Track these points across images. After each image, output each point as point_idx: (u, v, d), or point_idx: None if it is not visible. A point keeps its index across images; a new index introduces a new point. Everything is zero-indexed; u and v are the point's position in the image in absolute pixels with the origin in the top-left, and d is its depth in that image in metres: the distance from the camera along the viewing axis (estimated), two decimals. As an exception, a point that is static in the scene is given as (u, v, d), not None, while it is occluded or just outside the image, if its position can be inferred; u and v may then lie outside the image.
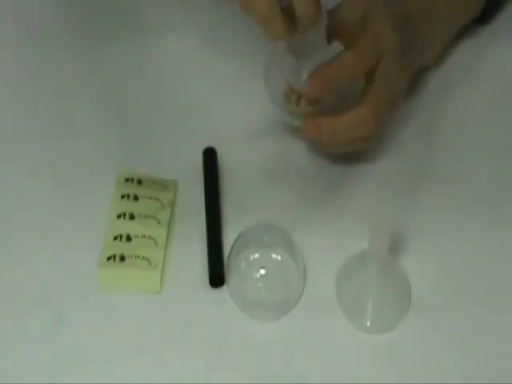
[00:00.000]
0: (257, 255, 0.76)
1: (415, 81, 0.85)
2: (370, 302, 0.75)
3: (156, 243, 0.77)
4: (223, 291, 0.76)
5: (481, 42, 0.90)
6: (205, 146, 0.83)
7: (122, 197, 0.80)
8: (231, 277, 0.75)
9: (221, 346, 0.73)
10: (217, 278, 0.76)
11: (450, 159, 0.83)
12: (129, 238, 0.77)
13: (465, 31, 0.90)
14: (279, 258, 0.77)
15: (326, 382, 0.71)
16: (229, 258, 0.76)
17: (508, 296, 0.76)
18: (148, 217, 0.78)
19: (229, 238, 0.78)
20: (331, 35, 0.76)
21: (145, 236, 0.77)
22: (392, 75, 0.77)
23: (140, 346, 0.73)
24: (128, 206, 0.79)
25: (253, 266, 0.76)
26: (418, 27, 0.81)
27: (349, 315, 0.74)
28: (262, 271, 0.76)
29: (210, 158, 0.83)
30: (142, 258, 0.76)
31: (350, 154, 0.81)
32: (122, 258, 0.76)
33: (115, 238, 0.77)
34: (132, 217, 0.78)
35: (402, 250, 0.77)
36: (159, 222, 0.78)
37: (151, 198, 0.80)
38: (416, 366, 0.72)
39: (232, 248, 0.76)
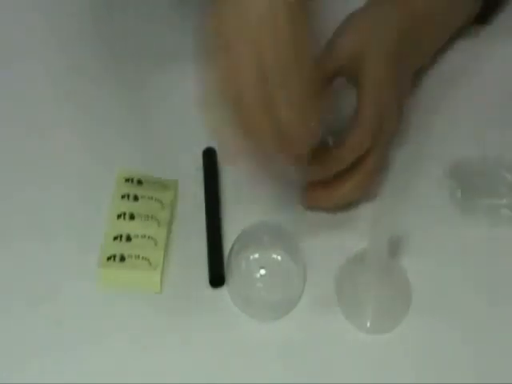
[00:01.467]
0: (257, 255, 0.76)
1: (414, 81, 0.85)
2: (370, 302, 0.75)
3: (156, 243, 0.77)
4: (223, 291, 0.76)
5: (481, 42, 0.90)
6: (205, 146, 0.83)
7: (122, 197, 0.80)
8: (231, 277, 0.75)
9: (221, 345, 0.73)
10: (217, 278, 0.76)
11: (450, 159, 0.83)
12: (129, 238, 0.77)
13: (465, 31, 0.90)
14: (279, 258, 0.77)
15: (326, 381, 0.71)
16: (229, 257, 0.76)
17: (508, 296, 0.76)
18: (148, 217, 0.78)
19: (229, 238, 0.78)
20: (333, 74, 0.77)
21: (145, 236, 0.77)
22: (391, 124, 0.78)
23: (140, 346, 0.73)
24: (128, 206, 0.79)
25: (253, 266, 0.76)
26: (419, 30, 0.80)
27: (349, 315, 0.74)
28: (262, 271, 0.76)
29: (209, 158, 0.83)
30: (142, 258, 0.76)
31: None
32: (122, 258, 0.76)
33: (115, 238, 0.77)
34: (132, 217, 0.78)
35: (402, 250, 0.77)
36: (159, 222, 0.78)
37: (151, 198, 0.80)
38: (416, 366, 0.72)
39: (232, 248, 0.76)
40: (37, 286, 0.76)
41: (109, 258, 0.76)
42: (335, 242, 0.78)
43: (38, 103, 0.88)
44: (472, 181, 0.81)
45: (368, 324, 0.74)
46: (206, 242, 0.77)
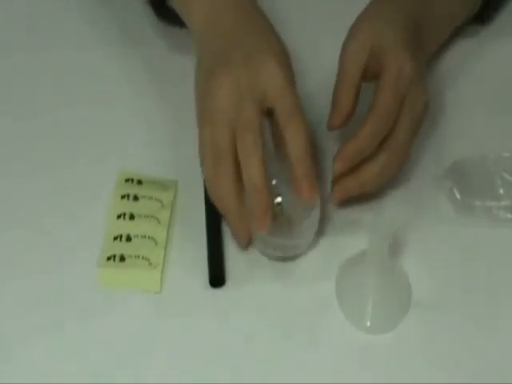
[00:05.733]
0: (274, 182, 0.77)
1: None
2: (370, 302, 0.75)
3: (156, 243, 0.77)
4: (223, 291, 0.76)
5: (481, 42, 0.90)
6: (205, 146, 0.83)
7: (122, 197, 0.80)
8: None
9: (221, 345, 0.73)
10: (217, 278, 0.76)
11: (450, 159, 0.83)
12: (129, 238, 0.77)
13: (465, 31, 0.90)
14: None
15: (326, 381, 0.71)
16: None
17: (508, 296, 0.76)
18: (148, 217, 0.78)
19: (229, 238, 0.78)
20: (360, 80, 0.76)
21: (145, 236, 0.77)
22: (416, 106, 0.76)
23: (140, 346, 0.73)
24: (128, 206, 0.79)
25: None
26: (422, 29, 0.80)
27: (349, 315, 0.74)
28: (279, 199, 0.77)
29: (209, 158, 0.83)
30: (142, 257, 0.76)
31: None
32: (122, 258, 0.76)
33: (115, 238, 0.77)
34: (132, 217, 0.78)
35: (402, 250, 0.77)
36: (159, 222, 0.78)
37: (151, 198, 0.80)
38: (416, 366, 0.72)
39: None
40: (37, 286, 0.76)
41: (109, 258, 0.76)
42: (335, 242, 0.78)
43: (38, 103, 0.88)
44: (471, 181, 0.81)
45: (368, 324, 0.74)
46: (206, 242, 0.77)
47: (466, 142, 0.84)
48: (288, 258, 0.77)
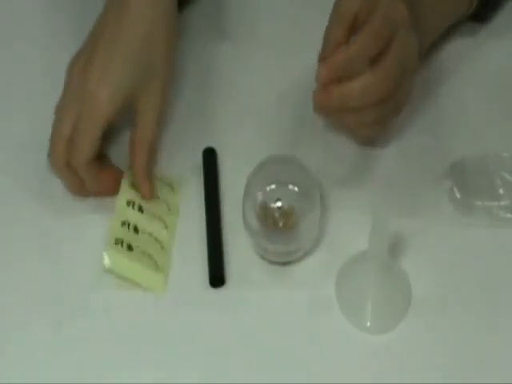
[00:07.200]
0: (273, 186, 0.77)
1: (413, 81, 0.85)
2: (369, 302, 0.75)
3: (162, 247, 0.77)
4: (223, 291, 0.76)
5: (481, 42, 0.90)
6: (205, 146, 0.83)
7: (132, 185, 0.79)
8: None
9: (221, 345, 0.73)
10: (217, 278, 0.76)
11: (450, 159, 0.83)
12: (136, 230, 0.77)
13: (465, 31, 0.90)
14: (296, 189, 0.77)
15: (326, 381, 0.71)
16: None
17: (508, 295, 0.76)
18: (156, 217, 0.78)
19: (229, 238, 0.78)
20: (352, 22, 0.75)
21: (151, 235, 0.77)
22: (406, 45, 0.75)
23: (140, 346, 0.73)
24: (137, 197, 0.79)
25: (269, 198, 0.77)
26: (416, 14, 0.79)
27: (349, 315, 0.74)
28: (279, 203, 0.77)
29: (209, 157, 0.83)
30: (149, 255, 0.76)
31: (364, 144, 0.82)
32: (130, 247, 0.75)
33: (123, 224, 0.77)
34: (141, 209, 0.78)
35: (402, 250, 0.77)
36: (166, 226, 0.78)
37: (158, 198, 0.80)
38: (416, 366, 0.72)
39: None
40: (37, 284, 0.76)
41: (116, 242, 0.75)
42: (336, 242, 0.78)
43: (38, 102, 0.88)
44: (471, 181, 0.81)
45: (368, 324, 0.74)
46: (206, 242, 0.78)
47: (466, 142, 0.84)
48: (288, 262, 0.77)
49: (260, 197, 0.77)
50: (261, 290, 0.76)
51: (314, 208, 0.75)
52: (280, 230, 0.76)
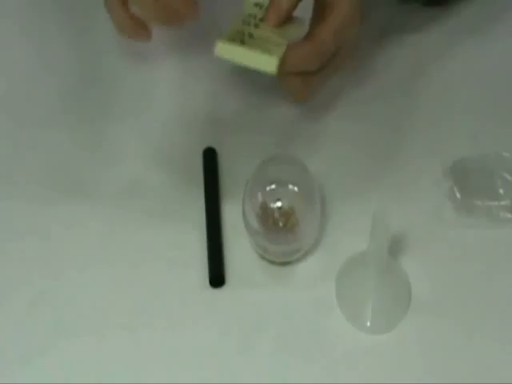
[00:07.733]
0: (273, 186, 0.77)
1: (414, 81, 0.85)
2: (369, 302, 0.75)
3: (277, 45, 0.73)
4: (223, 291, 0.76)
5: (481, 41, 0.90)
6: (205, 146, 0.83)
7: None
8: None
9: (220, 345, 0.73)
10: (217, 278, 0.76)
11: (449, 159, 0.83)
12: (251, 36, 0.74)
13: (465, 31, 0.90)
14: (296, 189, 0.78)
15: (326, 382, 0.71)
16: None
17: (508, 295, 0.76)
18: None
19: (229, 238, 0.78)
20: None
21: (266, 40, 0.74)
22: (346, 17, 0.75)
23: (139, 346, 0.73)
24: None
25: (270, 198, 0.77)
26: None
27: (349, 315, 0.74)
28: (279, 203, 0.77)
29: (210, 157, 0.83)
30: (264, 46, 0.72)
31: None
32: (251, 36, 0.73)
33: (244, 22, 0.74)
34: (257, 25, 0.75)
35: (402, 250, 0.77)
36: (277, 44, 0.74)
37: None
38: (416, 366, 0.72)
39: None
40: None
41: (233, 38, 0.72)
42: (335, 243, 0.78)
43: (39, 101, 0.88)
44: (471, 181, 0.81)
45: (368, 324, 0.74)
46: (206, 242, 0.78)
47: (466, 142, 0.84)
48: (288, 262, 0.77)
49: (260, 197, 0.77)
50: (261, 290, 0.76)
51: (314, 208, 0.75)
52: (280, 230, 0.76)
